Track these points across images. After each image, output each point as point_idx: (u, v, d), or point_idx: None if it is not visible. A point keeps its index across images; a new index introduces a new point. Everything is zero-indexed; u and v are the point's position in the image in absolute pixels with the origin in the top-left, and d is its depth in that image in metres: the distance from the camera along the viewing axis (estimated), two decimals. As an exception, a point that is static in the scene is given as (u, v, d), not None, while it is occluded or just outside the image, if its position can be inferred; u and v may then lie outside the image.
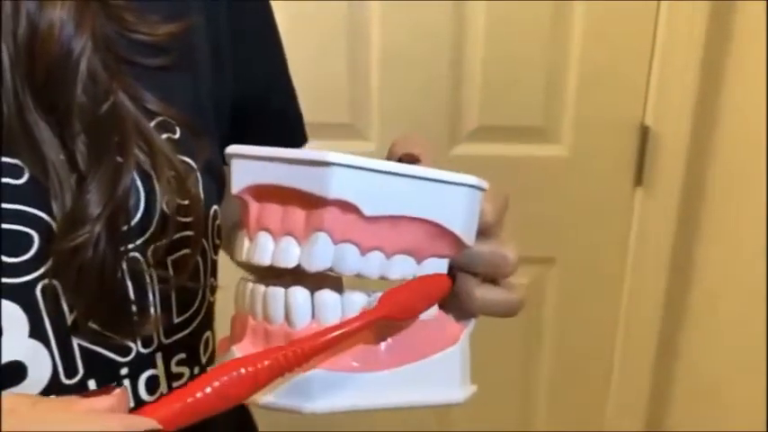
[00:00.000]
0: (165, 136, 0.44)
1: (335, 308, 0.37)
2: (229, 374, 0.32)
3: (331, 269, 0.37)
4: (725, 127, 1.14)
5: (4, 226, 0.38)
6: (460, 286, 0.41)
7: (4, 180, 0.38)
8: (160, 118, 0.44)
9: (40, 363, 0.41)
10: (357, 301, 0.37)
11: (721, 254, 1.16)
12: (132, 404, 0.44)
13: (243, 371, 0.32)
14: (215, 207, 0.50)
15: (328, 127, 1.24)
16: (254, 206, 0.38)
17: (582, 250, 1.30)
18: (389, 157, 0.43)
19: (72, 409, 0.28)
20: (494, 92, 1.21)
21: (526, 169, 1.25)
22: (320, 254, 0.36)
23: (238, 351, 0.37)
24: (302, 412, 0.36)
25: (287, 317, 0.37)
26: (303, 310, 0.37)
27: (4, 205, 0.38)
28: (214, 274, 0.51)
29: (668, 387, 1.30)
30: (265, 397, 0.36)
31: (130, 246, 0.42)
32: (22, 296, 0.39)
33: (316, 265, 0.36)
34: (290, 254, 0.36)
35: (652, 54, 1.17)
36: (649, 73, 1.18)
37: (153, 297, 0.44)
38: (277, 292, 0.37)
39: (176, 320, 0.47)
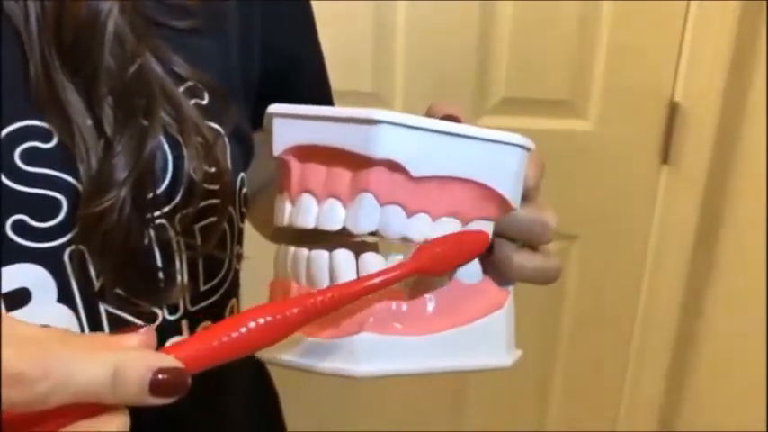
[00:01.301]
0: (193, 102, 0.43)
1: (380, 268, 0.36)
2: (256, 319, 0.31)
3: (376, 232, 0.36)
4: (755, 107, 1.12)
5: (33, 190, 0.38)
6: (498, 252, 0.41)
7: (34, 144, 0.38)
8: (189, 83, 0.44)
9: (67, 327, 0.41)
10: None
11: (746, 238, 1.14)
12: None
13: (271, 316, 0.31)
14: (242, 174, 0.49)
15: (352, 95, 1.23)
16: (295, 167, 0.37)
17: (605, 227, 1.29)
18: None
19: (99, 345, 0.28)
20: (521, 63, 1.20)
21: (551, 143, 1.23)
22: (366, 215, 0.35)
23: None
24: (351, 376, 0.35)
25: (331, 280, 0.36)
26: (348, 273, 0.36)
27: (33, 169, 0.38)
28: (240, 242, 0.51)
29: (684, 380, 1.29)
30: (311, 360, 0.36)
31: (157, 213, 0.42)
32: (50, 261, 0.40)
33: (361, 227, 0.35)
34: (335, 216, 0.36)
35: (684, 29, 1.15)
36: (680, 49, 1.16)
37: (180, 264, 0.44)
38: (321, 255, 0.36)
39: (202, 288, 0.47)
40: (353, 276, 0.36)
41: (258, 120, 0.54)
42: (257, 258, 0.69)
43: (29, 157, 0.38)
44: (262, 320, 0.31)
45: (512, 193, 0.38)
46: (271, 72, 0.54)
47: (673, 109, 1.19)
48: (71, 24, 0.38)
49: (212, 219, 0.45)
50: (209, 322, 0.48)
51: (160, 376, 0.27)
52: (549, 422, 1.45)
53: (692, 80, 1.16)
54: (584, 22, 1.17)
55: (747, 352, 1.15)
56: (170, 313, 0.45)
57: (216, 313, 0.49)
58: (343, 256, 0.36)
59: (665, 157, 1.22)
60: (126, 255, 0.40)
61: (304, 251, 0.37)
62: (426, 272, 0.36)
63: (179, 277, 0.45)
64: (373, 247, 0.41)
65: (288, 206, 0.38)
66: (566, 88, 1.21)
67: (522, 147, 0.38)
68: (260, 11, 0.52)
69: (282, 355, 0.36)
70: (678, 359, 1.30)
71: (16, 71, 0.38)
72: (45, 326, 0.29)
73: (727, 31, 1.10)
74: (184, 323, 0.46)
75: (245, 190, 0.50)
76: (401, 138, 0.34)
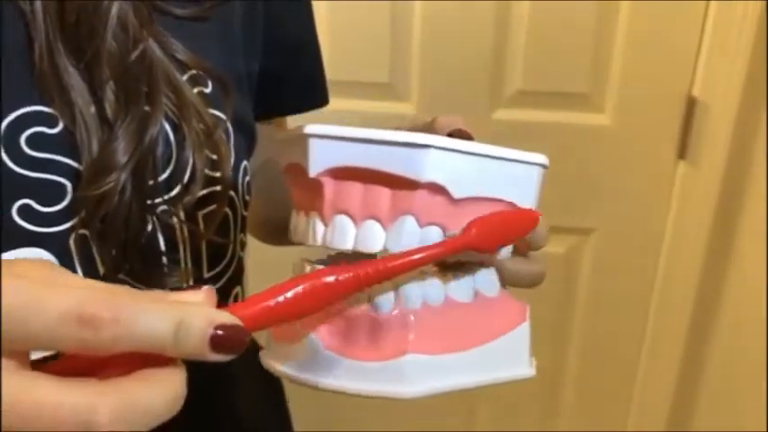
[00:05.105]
0: (196, 90, 0.44)
1: (418, 291, 0.37)
2: (311, 282, 0.31)
3: None
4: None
5: (39, 175, 0.39)
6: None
7: (39, 129, 0.38)
8: (192, 72, 0.44)
9: None
10: (435, 282, 0.37)
11: (763, 234, 1.13)
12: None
13: (326, 278, 0.32)
14: (245, 163, 0.50)
15: (368, 86, 1.24)
16: (329, 188, 0.37)
17: (621, 222, 1.28)
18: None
19: (160, 298, 0.29)
20: (537, 56, 1.19)
21: (567, 137, 1.22)
22: (408, 237, 0.36)
23: (316, 336, 0.37)
24: (401, 398, 0.36)
25: (370, 300, 0.36)
26: (388, 293, 0.36)
27: (38, 154, 0.38)
28: (244, 229, 0.51)
29: (698, 377, 1.28)
30: (357, 384, 0.36)
31: (159, 199, 0.42)
32: (55, 245, 0.40)
33: (402, 248, 0.35)
34: (375, 238, 0.36)
35: (704, 23, 1.13)
36: (700, 43, 1.14)
37: (183, 251, 0.45)
38: None
39: (206, 275, 0.47)
40: (392, 295, 0.36)
41: (259, 108, 0.54)
42: (262, 248, 0.70)
43: (34, 142, 0.38)
44: (316, 282, 0.31)
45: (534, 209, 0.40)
46: (272, 60, 0.55)
47: (691, 104, 1.17)
48: (74, 7, 0.39)
49: (215, 206, 0.45)
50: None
51: (220, 332, 0.27)
52: (560, 422, 1.45)
53: (711, 75, 1.14)
54: (601, 15, 1.15)
55: (764, 349, 1.14)
56: None
57: (220, 300, 0.49)
58: None
59: (683, 152, 1.20)
60: (128, 239, 0.40)
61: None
62: (476, 248, 0.36)
63: (183, 263, 0.45)
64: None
65: (320, 227, 0.37)
66: (582, 81, 1.20)
67: (543, 165, 0.40)
68: (263, 0, 0.52)
69: (325, 380, 0.36)
70: (692, 355, 1.29)
71: (22, 55, 0.38)
72: None
73: (748, 26, 1.08)
74: None
75: (248, 178, 0.50)
76: (446, 161, 0.35)
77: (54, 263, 0.29)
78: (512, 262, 0.42)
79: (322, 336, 0.37)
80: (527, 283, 0.42)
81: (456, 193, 0.36)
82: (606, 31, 1.16)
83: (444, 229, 0.37)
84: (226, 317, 0.28)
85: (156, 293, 0.30)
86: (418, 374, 0.36)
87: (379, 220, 0.36)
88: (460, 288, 0.39)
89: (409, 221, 0.36)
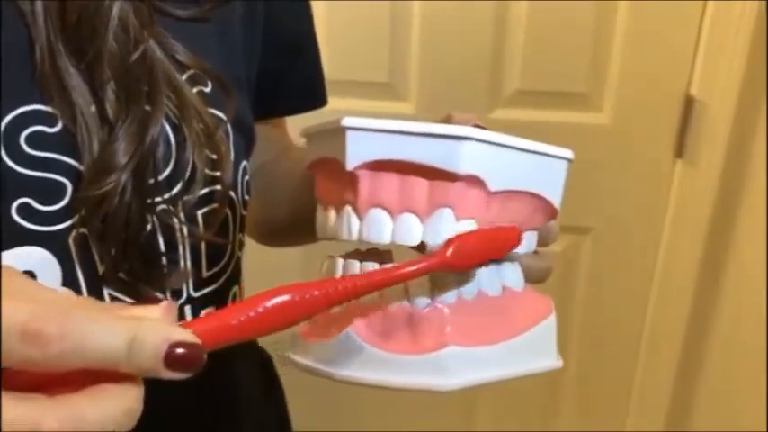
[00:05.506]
0: (196, 90, 0.44)
1: (453, 284, 0.37)
2: (276, 298, 0.30)
3: None
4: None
5: (38, 174, 0.39)
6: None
7: (39, 128, 0.39)
8: (192, 71, 0.44)
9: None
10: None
11: (761, 233, 1.13)
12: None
13: (293, 295, 0.31)
14: (245, 163, 0.50)
15: (367, 86, 1.24)
16: (364, 182, 0.36)
17: (618, 221, 1.28)
18: None
19: (118, 313, 0.28)
20: (535, 56, 1.19)
21: (565, 136, 1.21)
22: (446, 230, 0.36)
23: (354, 331, 0.37)
24: (441, 390, 0.36)
25: (407, 294, 0.36)
26: (424, 288, 0.36)
27: (38, 153, 0.39)
28: (242, 229, 0.52)
29: (696, 376, 1.28)
30: (397, 377, 0.36)
31: (159, 198, 0.42)
32: (55, 245, 0.40)
33: (441, 241, 0.36)
34: (412, 231, 0.36)
35: (701, 22, 1.13)
36: (697, 42, 1.15)
37: (183, 250, 0.45)
38: None
39: (205, 274, 0.48)
40: (428, 290, 0.36)
41: (258, 109, 0.55)
42: (261, 248, 0.70)
43: (34, 141, 0.38)
44: (281, 300, 0.30)
45: (558, 203, 0.41)
46: (270, 61, 0.55)
47: (688, 103, 1.17)
48: (75, 7, 0.39)
49: (214, 205, 0.45)
50: (212, 308, 0.49)
51: (177, 350, 0.26)
52: (559, 421, 1.45)
53: (709, 74, 1.15)
54: (600, 15, 1.16)
55: (762, 349, 1.14)
56: (173, 299, 0.46)
57: (219, 299, 0.50)
58: None
59: (680, 151, 1.21)
60: (128, 239, 0.40)
61: (374, 265, 0.37)
62: (452, 266, 0.36)
63: (182, 263, 0.45)
64: (388, 255, 0.42)
65: (354, 221, 0.37)
66: (580, 81, 1.20)
67: (569, 160, 0.40)
68: (262, 1, 0.53)
69: (365, 375, 0.36)
70: (690, 353, 1.29)
71: (22, 55, 0.39)
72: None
73: (745, 25, 1.08)
74: (188, 309, 0.47)
75: (247, 178, 0.50)
76: (484, 154, 0.35)
77: (19, 271, 0.29)
78: (526, 258, 0.42)
79: (360, 330, 0.37)
80: (535, 278, 0.43)
81: (492, 186, 0.36)
82: (604, 30, 1.17)
83: (479, 222, 0.37)
84: (182, 333, 0.27)
85: (115, 307, 0.29)
86: (458, 367, 0.36)
87: (416, 213, 0.36)
88: (491, 282, 0.39)
89: (447, 214, 0.36)
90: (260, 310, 0.30)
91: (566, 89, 1.21)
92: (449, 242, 0.36)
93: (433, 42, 1.21)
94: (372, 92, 1.24)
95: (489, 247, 0.38)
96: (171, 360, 0.26)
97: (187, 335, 0.27)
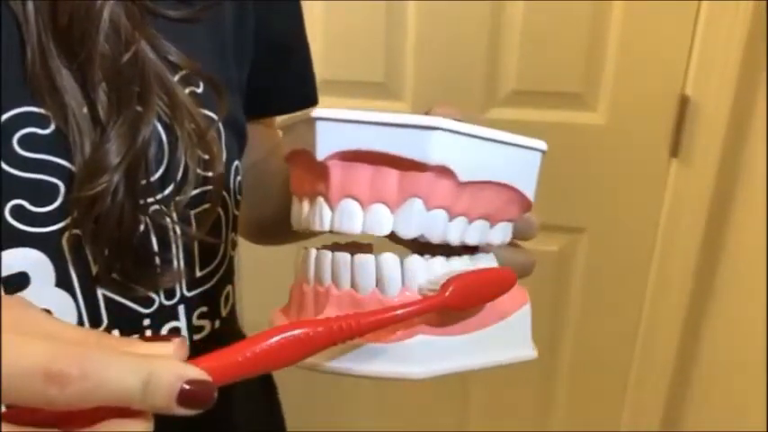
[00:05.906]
0: (187, 90, 0.44)
1: (424, 273, 0.37)
2: (284, 335, 0.31)
3: (421, 236, 0.37)
4: (766, 102, 1.11)
5: (31, 176, 0.39)
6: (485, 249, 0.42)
7: (31, 129, 0.39)
8: (183, 72, 0.44)
9: (65, 312, 0.42)
10: (438, 267, 0.38)
11: (755, 232, 1.14)
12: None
13: (298, 332, 0.32)
14: (237, 162, 0.50)
15: (362, 85, 1.24)
16: (335, 172, 0.36)
17: (613, 221, 1.28)
18: None
19: (133, 350, 0.29)
20: (531, 56, 1.20)
21: (560, 136, 1.23)
22: (417, 220, 0.36)
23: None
24: (410, 378, 0.36)
25: (379, 284, 0.37)
26: (396, 277, 0.36)
27: (31, 155, 0.39)
28: (235, 229, 0.52)
29: (690, 377, 1.29)
30: (365, 366, 0.36)
31: (151, 199, 0.42)
32: (48, 246, 0.40)
33: (410, 232, 0.36)
34: (383, 221, 0.36)
35: (696, 22, 1.14)
36: (692, 41, 1.15)
37: (176, 250, 0.45)
38: (366, 259, 0.36)
39: (198, 274, 0.48)
40: (399, 280, 0.36)
41: (249, 109, 0.55)
42: (257, 248, 0.70)
43: (27, 142, 0.38)
44: (285, 337, 0.31)
45: (532, 195, 0.41)
46: (261, 61, 0.55)
47: (683, 102, 1.18)
48: (67, 9, 0.39)
49: (207, 205, 0.46)
50: (205, 308, 0.49)
51: (188, 387, 0.27)
52: (553, 421, 1.46)
53: (703, 74, 1.15)
54: (595, 15, 1.16)
55: (755, 357, 1.14)
56: (167, 298, 0.46)
57: (212, 298, 0.50)
58: (391, 260, 0.36)
59: (675, 151, 1.21)
60: (121, 240, 0.41)
61: (345, 255, 0.37)
62: (453, 307, 0.36)
63: (175, 263, 0.45)
64: (368, 248, 0.42)
65: (326, 211, 0.37)
66: (576, 81, 1.21)
67: (543, 151, 0.40)
68: (253, 1, 0.53)
69: (332, 363, 0.36)
70: (685, 354, 1.29)
71: (14, 56, 0.39)
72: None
73: (739, 25, 1.09)
74: (181, 308, 0.47)
75: (239, 178, 0.50)
76: (453, 144, 0.35)
77: (29, 302, 0.29)
78: (507, 252, 0.42)
79: (327, 315, 0.36)
80: (521, 272, 0.43)
81: (462, 176, 0.36)
82: (599, 30, 1.17)
83: (449, 213, 0.37)
84: (194, 372, 0.28)
85: (127, 343, 0.30)
86: (427, 355, 0.36)
87: (386, 204, 0.36)
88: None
89: (417, 204, 0.36)
90: (265, 347, 0.31)
91: (561, 89, 1.22)
92: (448, 282, 0.36)
93: (428, 42, 1.21)
94: (368, 91, 1.24)
95: (487, 288, 0.38)
96: (184, 398, 0.27)
97: (199, 372, 0.28)
